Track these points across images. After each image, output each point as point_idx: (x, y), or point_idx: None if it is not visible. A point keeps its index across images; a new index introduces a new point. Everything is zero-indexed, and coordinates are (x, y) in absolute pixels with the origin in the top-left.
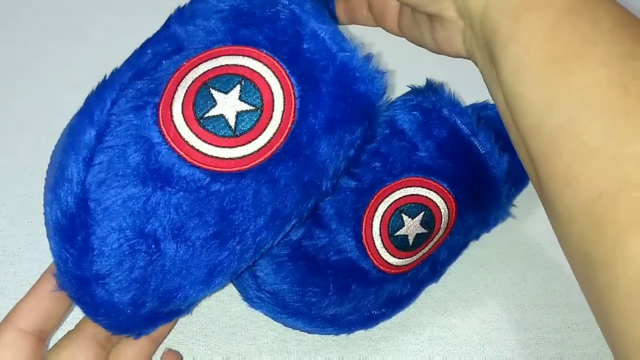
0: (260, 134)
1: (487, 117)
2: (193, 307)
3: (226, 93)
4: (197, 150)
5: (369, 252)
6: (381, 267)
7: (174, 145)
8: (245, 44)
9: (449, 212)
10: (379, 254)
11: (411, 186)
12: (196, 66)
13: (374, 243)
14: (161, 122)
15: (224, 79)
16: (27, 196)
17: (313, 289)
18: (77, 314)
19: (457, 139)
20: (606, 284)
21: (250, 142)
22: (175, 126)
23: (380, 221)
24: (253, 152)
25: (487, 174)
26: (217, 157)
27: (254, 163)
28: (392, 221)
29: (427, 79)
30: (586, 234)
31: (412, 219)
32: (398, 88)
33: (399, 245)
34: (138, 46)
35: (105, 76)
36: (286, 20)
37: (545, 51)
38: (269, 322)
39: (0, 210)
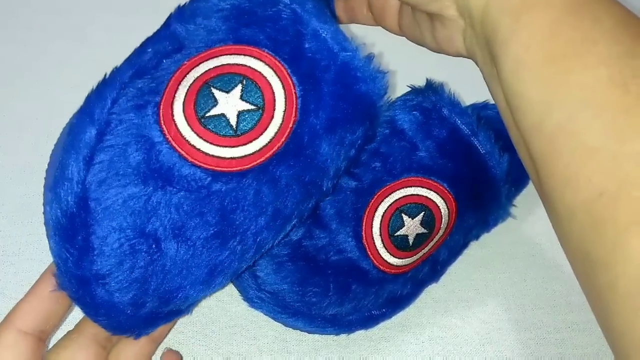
0: (262, 134)
1: (487, 117)
2: (193, 307)
3: (227, 92)
4: (198, 149)
5: (369, 252)
6: (381, 267)
7: (175, 145)
8: (246, 43)
9: (449, 212)
10: (379, 254)
11: (411, 186)
12: (197, 65)
13: (374, 243)
14: (162, 121)
15: (226, 78)
16: (27, 196)
17: (313, 289)
18: (76, 314)
19: (457, 139)
20: (606, 283)
21: (251, 141)
22: (176, 125)
23: (381, 221)
24: (254, 152)
25: (487, 174)
26: (219, 157)
27: (255, 163)
28: (392, 221)
29: (427, 79)
30: (586, 233)
31: (412, 219)
32: (398, 88)
33: (399, 245)
34: (138, 46)
35: (105, 75)
36: (288, 19)
37: (545, 50)
38: (269, 322)
39: (0, 210)
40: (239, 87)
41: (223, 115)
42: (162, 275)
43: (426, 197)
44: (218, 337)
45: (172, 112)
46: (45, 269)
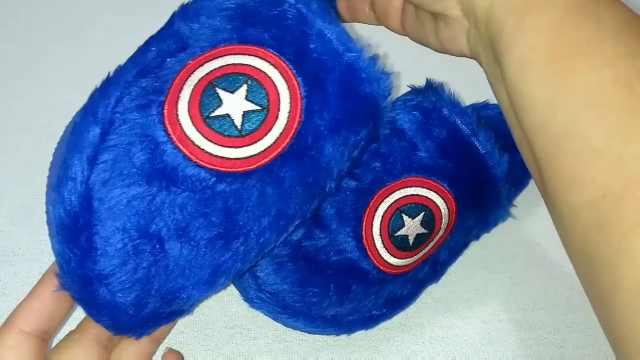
0: (266, 134)
1: (487, 117)
2: (195, 307)
3: (232, 92)
4: (203, 150)
5: (369, 252)
6: (381, 268)
7: (179, 145)
8: (251, 43)
9: (449, 212)
10: (379, 254)
11: (411, 186)
12: (202, 65)
13: (374, 243)
14: (166, 121)
15: (230, 79)
16: (27, 196)
17: (313, 289)
18: (77, 314)
19: (457, 139)
20: (610, 283)
21: (256, 142)
22: (180, 125)
23: (381, 221)
24: (259, 153)
25: (487, 174)
26: (223, 157)
27: (259, 163)
28: (393, 221)
29: (427, 79)
30: (590, 234)
31: (413, 219)
32: (399, 88)
33: (399, 245)
34: (139, 46)
35: (109, 73)
36: (293, 19)
37: (550, 50)
38: (270, 322)
39: (0, 210)
40: (244, 87)
41: (228, 115)
42: (165, 275)
43: (426, 197)
44: (218, 337)
45: (177, 112)
46: (47, 269)
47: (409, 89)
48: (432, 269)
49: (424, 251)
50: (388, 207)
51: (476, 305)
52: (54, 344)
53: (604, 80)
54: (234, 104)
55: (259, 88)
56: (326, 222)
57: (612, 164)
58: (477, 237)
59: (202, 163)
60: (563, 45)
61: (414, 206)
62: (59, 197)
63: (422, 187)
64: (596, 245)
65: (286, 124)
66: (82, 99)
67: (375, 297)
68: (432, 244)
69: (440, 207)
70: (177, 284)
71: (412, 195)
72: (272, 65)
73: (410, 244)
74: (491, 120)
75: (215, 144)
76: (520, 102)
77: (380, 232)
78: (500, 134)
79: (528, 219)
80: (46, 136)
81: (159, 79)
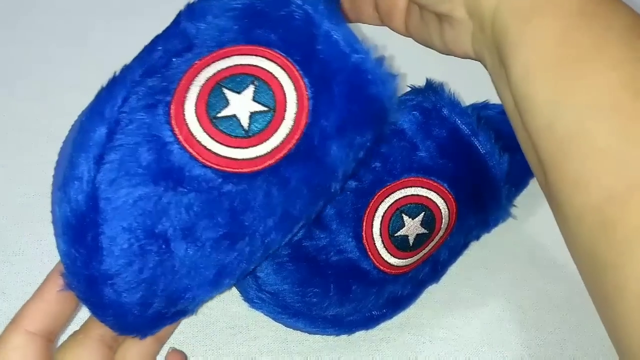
0: (273, 135)
1: (487, 117)
2: (199, 307)
3: (239, 93)
4: (210, 150)
5: (369, 253)
6: (382, 268)
7: (186, 145)
8: (258, 43)
9: (449, 213)
10: (380, 255)
11: (411, 186)
12: (209, 65)
13: (374, 243)
14: (173, 121)
15: (237, 79)
16: (27, 196)
17: (314, 290)
18: (82, 314)
19: (457, 139)
20: (615, 285)
21: (262, 143)
22: (187, 125)
23: (381, 221)
24: (265, 153)
25: (487, 174)
26: (230, 158)
27: (266, 164)
28: (393, 221)
29: (426, 79)
30: (595, 236)
31: (413, 219)
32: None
33: (400, 245)
34: (139, 47)
35: (115, 73)
36: (300, 20)
37: (556, 54)
38: (270, 322)
39: (0, 210)
40: (251, 88)
41: (235, 116)
42: (170, 276)
43: (426, 197)
44: (219, 337)
45: (184, 112)
46: (52, 269)
47: (409, 89)
48: (433, 269)
49: (424, 251)
50: (388, 207)
51: (476, 305)
52: (58, 344)
53: (610, 83)
54: (241, 105)
55: (265, 89)
56: (326, 222)
57: (618, 166)
58: (478, 237)
59: (208, 163)
60: (569, 49)
61: (414, 206)
62: (65, 196)
63: (422, 187)
64: (601, 247)
65: (293, 125)
66: (82, 99)
67: (376, 297)
68: (432, 244)
69: (441, 207)
70: (182, 284)
71: (412, 195)
72: (279, 66)
73: (411, 244)
74: (491, 120)
75: (222, 144)
76: (525, 105)
77: (381, 232)
78: (501, 134)
79: (528, 219)
80: (46, 136)
81: (166, 78)
